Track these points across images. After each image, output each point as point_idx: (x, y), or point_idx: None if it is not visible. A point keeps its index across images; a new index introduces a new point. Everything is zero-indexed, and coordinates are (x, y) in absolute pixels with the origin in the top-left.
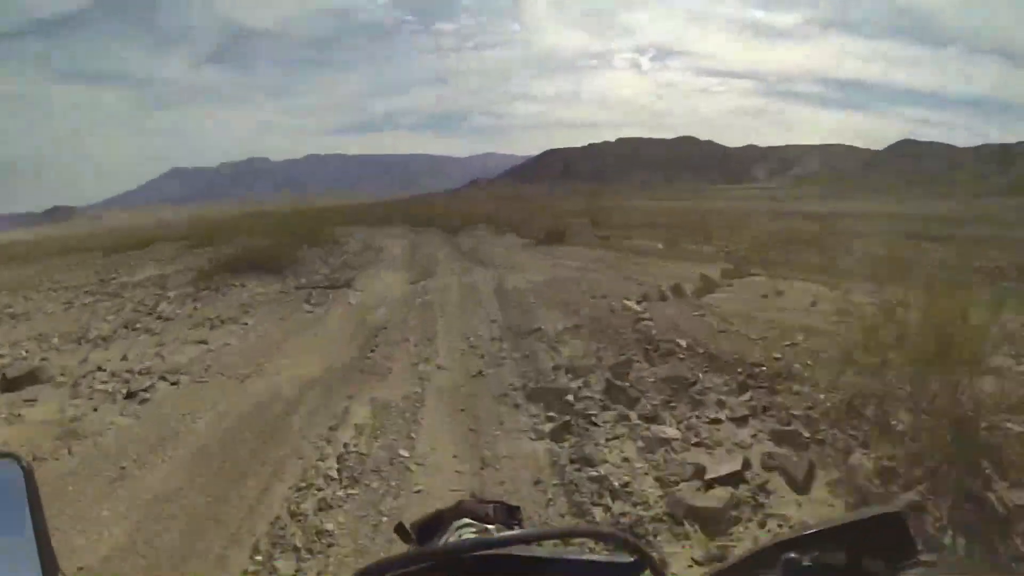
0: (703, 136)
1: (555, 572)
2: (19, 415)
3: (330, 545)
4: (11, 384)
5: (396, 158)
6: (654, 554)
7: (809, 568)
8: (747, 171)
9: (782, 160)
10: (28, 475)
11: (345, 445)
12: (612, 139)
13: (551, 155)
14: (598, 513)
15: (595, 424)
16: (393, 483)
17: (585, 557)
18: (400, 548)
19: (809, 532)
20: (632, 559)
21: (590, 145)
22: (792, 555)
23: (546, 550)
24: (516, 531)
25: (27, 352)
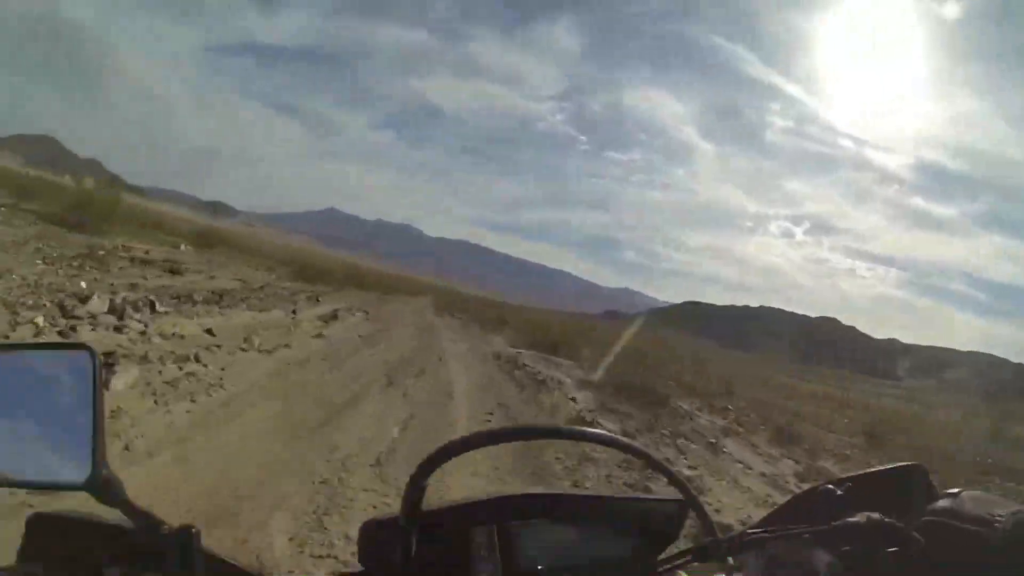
0: (845, 320)
1: (606, 509)
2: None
3: None
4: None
5: (541, 269)
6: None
7: (844, 498)
8: (888, 365)
9: (927, 360)
10: (96, 367)
11: None
12: (754, 304)
13: (692, 307)
14: None
15: None
16: None
17: (634, 496)
18: None
19: (844, 477)
20: (679, 499)
21: (731, 306)
22: (830, 486)
23: (593, 491)
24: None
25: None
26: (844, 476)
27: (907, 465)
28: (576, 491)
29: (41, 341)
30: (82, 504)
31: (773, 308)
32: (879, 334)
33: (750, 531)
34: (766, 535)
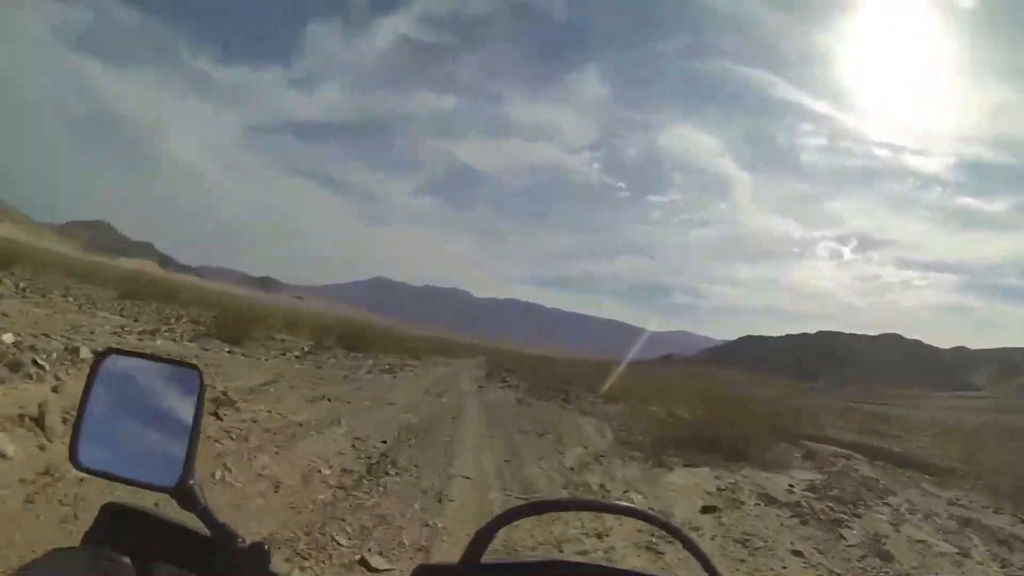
0: (907, 334)
1: None
2: None
3: None
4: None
5: (592, 320)
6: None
7: None
8: (963, 375)
9: (1003, 364)
10: (201, 387)
11: None
12: (811, 331)
13: (748, 341)
14: None
15: None
16: None
17: (648, 573)
18: None
19: None
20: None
21: (787, 335)
22: None
23: (633, 568)
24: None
25: None
26: None
27: None
28: (625, 569)
29: (154, 354)
30: (162, 505)
31: (831, 332)
32: (944, 344)
33: None
34: None
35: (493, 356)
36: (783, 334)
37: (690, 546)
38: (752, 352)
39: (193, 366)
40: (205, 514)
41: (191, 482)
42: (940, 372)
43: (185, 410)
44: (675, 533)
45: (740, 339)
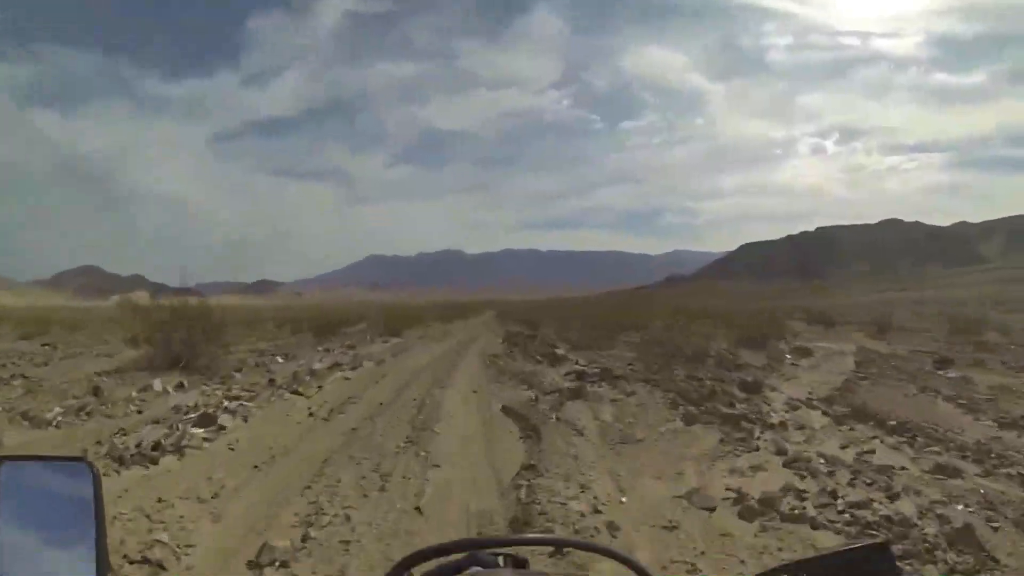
0: (907, 217)
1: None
2: None
3: None
4: None
5: (589, 255)
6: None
7: None
8: (972, 250)
9: (1010, 234)
10: (96, 479)
11: None
12: (811, 228)
13: (748, 249)
14: None
15: None
16: None
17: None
18: None
19: (796, 561)
20: None
21: (787, 237)
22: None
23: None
24: (539, 535)
25: None
26: (800, 559)
27: (870, 544)
28: (538, 536)
29: (41, 454)
30: None
31: (831, 227)
32: (945, 222)
33: None
34: None
35: (500, 311)
36: (783, 236)
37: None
38: (753, 259)
39: (81, 458)
40: None
41: None
42: (948, 250)
43: (85, 506)
44: (613, 555)
45: (739, 248)
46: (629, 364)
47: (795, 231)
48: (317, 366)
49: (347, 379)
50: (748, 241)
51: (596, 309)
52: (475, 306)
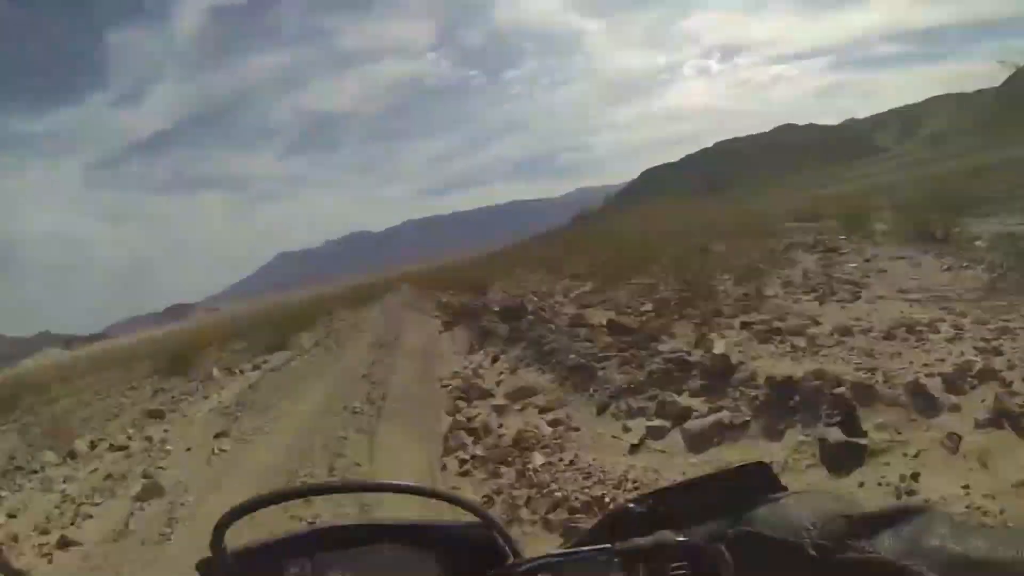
0: (800, 122)
1: (419, 536)
2: None
3: None
4: None
5: (492, 209)
6: (499, 521)
7: (645, 515)
8: (866, 144)
9: (899, 123)
10: None
11: None
12: (709, 144)
13: (650, 175)
14: None
15: None
16: None
17: (442, 523)
18: None
19: (676, 484)
20: (479, 522)
21: (687, 157)
22: (631, 505)
23: (405, 519)
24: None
25: None
26: (679, 483)
27: (746, 465)
28: (389, 519)
29: None
30: None
31: (727, 140)
32: (836, 121)
33: (546, 555)
34: (560, 559)
35: (416, 282)
36: (682, 156)
37: (456, 501)
38: (656, 185)
39: None
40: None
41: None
42: (845, 146)
43: None
44: (456, 502)
45: (641, 175)
46: None
47: (693, 151)
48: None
49: None
50: (648, 167)
51: (524, 256)
52: (390, 283)
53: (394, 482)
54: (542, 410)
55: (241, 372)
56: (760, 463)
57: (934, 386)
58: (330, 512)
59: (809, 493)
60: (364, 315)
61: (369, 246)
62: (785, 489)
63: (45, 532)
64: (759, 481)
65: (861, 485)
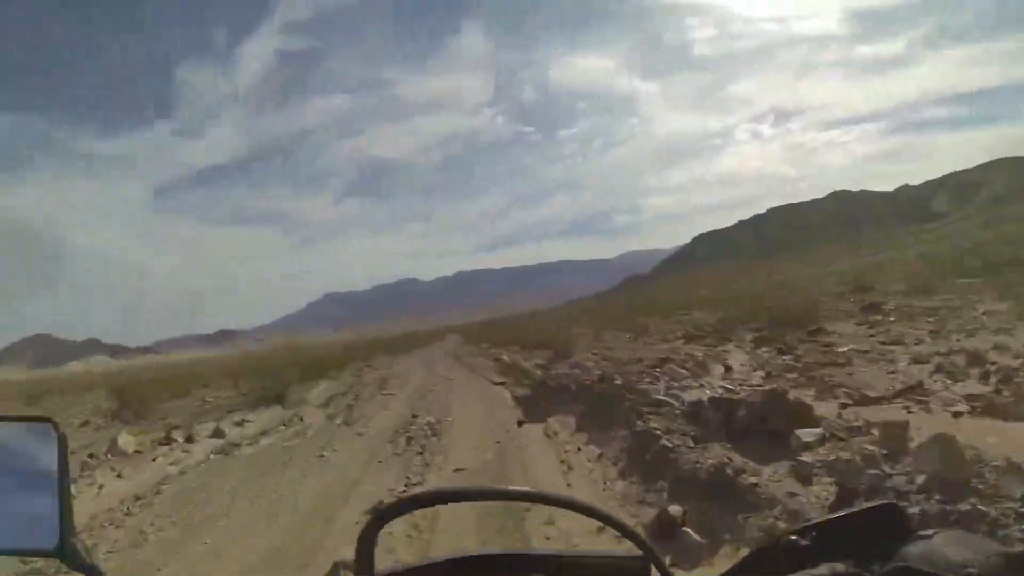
0: (853, 188)
1: (563, 568)
2: None
3: None
4: None
5: (543, 267)
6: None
7: (807, 548)
8: (921, 209)
9: (954, 189)
10: (61, 440)
11: None
12: (761, 211)
13: (701, 240)
14: None
15: None
16: None
17: (593, 554)
18: None
19: (803, 526)
20: (639, 555)
21: (739, 223)
22: (794, 537)
23: (552, 548)
24: (525, 489)
25: None
26: (809, 523)
27: (879, 505)
28: (536, 550)
29: (5, 414)
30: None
31: (780, 206)
32: (890, 187)
33: None
34: None
35: (465, 333)
36: (735, 222)
37: (618, 527)
38: (707, 249)
39: (46, 418)
40: (93, 572)
41: (73, 540)
42: (901, 212)
43: (49, 466)
44: (585, 511)
45: (694, 240)
46: None
47: (746, 217)
48: None
49: None
50: (701, 231)
51: (584, 317)
52: (437, 332)
53: (576, 499)
54: None
55: (187, 441)
56: (892, 503)
57: None
58: None
59: (957, 532)
60: (404, 368)
61: (417, 294)
62: (913, 530)
63: None
64: (890, 520)
65: None
